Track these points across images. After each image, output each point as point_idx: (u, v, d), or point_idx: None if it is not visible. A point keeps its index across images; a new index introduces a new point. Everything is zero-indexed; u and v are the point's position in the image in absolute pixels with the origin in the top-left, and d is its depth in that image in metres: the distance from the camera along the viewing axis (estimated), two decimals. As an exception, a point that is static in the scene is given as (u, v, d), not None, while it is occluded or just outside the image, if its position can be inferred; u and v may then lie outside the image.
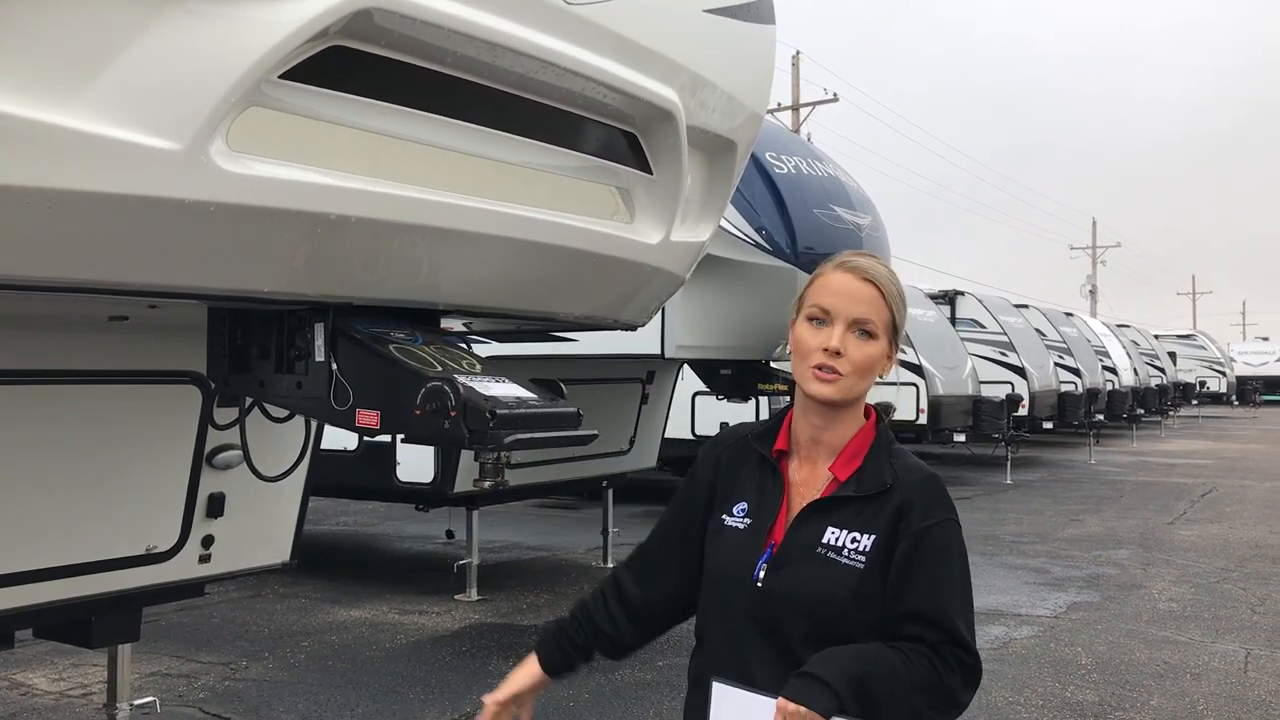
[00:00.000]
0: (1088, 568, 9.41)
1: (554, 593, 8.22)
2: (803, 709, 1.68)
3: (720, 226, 6.78)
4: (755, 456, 1.97)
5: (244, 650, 6.46)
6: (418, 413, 2.28)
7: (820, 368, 1.86)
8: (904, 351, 16.79)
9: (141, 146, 1.84)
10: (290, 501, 4.40)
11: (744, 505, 1.94)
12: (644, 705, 5.49)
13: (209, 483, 4.02)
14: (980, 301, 20.92)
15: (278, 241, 2.11)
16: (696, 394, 12.27)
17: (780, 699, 1.71)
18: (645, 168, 2.92)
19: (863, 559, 1.80)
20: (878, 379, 1.93)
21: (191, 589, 4.22)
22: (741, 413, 12.61)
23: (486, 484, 2.42)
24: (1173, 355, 37.89)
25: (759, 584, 1.85)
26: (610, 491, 9.31)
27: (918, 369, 16.31)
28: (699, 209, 3.30)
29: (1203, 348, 45.30)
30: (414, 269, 2.50)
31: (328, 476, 8.37)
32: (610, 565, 9.24)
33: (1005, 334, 20.15)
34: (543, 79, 2.47)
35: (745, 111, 3.22)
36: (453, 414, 2.23)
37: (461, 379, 2.34)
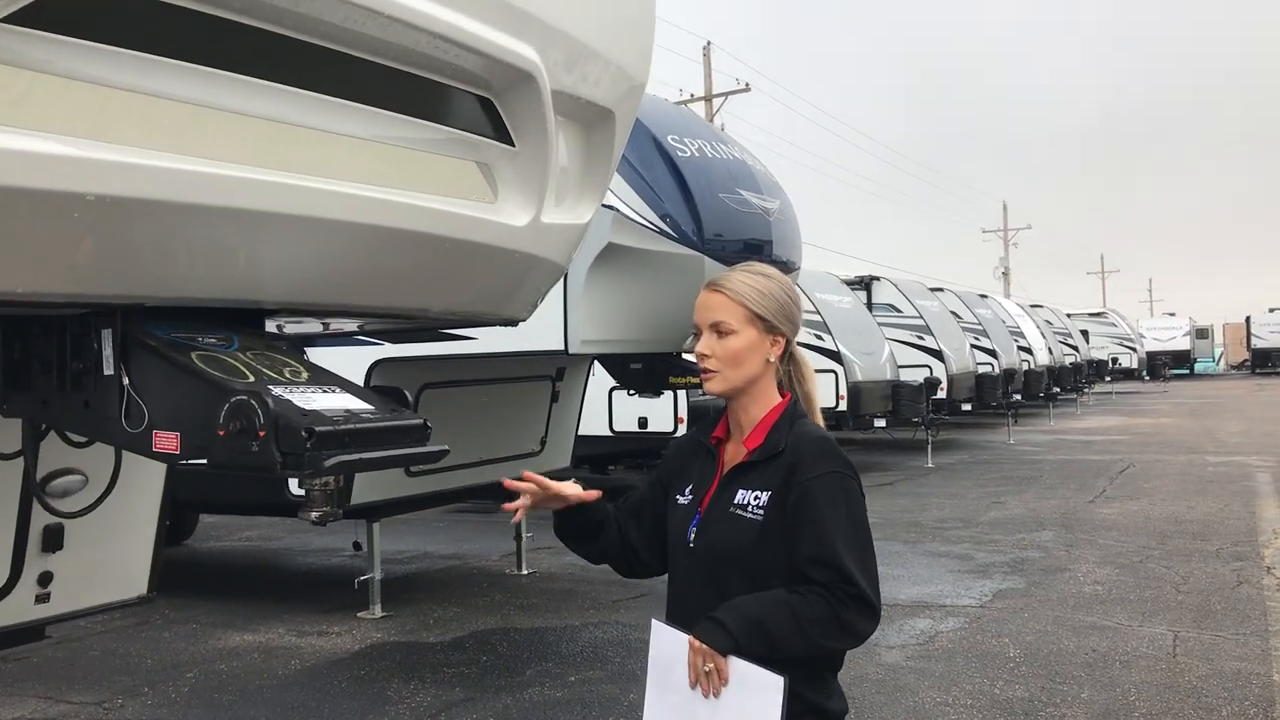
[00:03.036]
0: (1011, 552, 9.27)
1: (463, 605, 7.81)
2: (705, 646, 2.02)
3: (623, 214, 6.49)
4: (702, 446, 2.34)
5: (122, 686, 5.96)
6: (221, 433, 1.88)
7: (703, 371, 2.26)
8: (821, 338, 16.74)
9: None
10: (143, 530, 3.96)
11: (690, 485, 2.30)
12: (553, 727, 5.13)
13: (43, 514, 3.57)
14: (896, 286, 20.88)
15: (18, 229, 1.70)
16: (613, 390, 11.91)
17: (690, 637, 2.05)
18: (506, 139, 2.56)
19: (761, 512, 2.13)
20: (770, 360, 2.24)
21: (30, 633, 3.76)
22: (658, 408, 12.30)
23: (313, 516, 2.03)
24: (1085, 333, 38.56)
25: (690, 545, 2.22)
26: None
27: (835, 355, 16.17)
28: (577, 187, 2.95)
29: (1113, 325, 46.19)
30: (225, 261, 2.11)
31: (215, 493, 7.91)
32: (525, 572, 8.86)
33: (921, 318, 20.13)
34: (367, 32, 2.09)
35: (623, 77, 2.86)
36: (262, 434, 1.85)
37: (278, 390, 1.96)
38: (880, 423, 16.98)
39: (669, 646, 2.12)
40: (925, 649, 6.29)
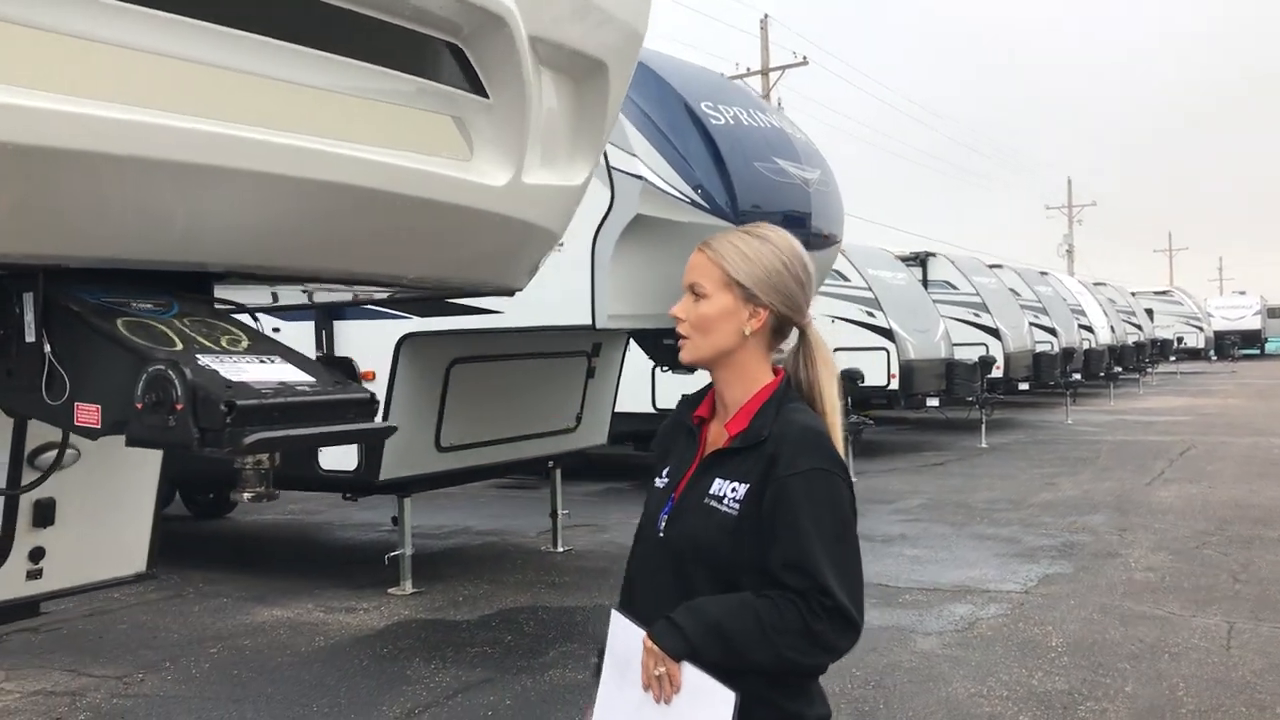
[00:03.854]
0: (1061, 535, 8.95)
1: (495, 582, 7.70)
2: (657, 649, 1.85)
3: (652, 184, 6.27)
4: (684, 426, 2.13)
5: (144, 661, 5.92)
6: (139, 406, 1.73)
7: (678, 337, 2.07)
8: (872, 315, 16.39)
9: None
10: (140, 506, 3.86)
11: (669, 467, 2.10)
12: (570, 710, 4.99)
13: (35, 488, 3.47)
14: (952, 262, 20.43)
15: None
16: (656, 366, 11.73)
17: (644, 635, 1.88)
18: (480, 90, 2.37)
19: (737, 506, 1.91)
20: (746, 332, 2.01)
21: (23, 608, 3.68)
22: (701, 385, 12.10)
23: (246, 496, 1.88)
24: (1150, 312, 37.58)
25: (661, 534, 2.01)
26: (558, 471, 8.79)
27: (887, 333, 15.84)
28: (569, 146, 2.75)
29: (1179, 303, 45.01)
30: (161, 220, 1.95)
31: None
32: (560, 549, 8.74)
33: (978, 295, 19.69)
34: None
35: (616, 25, 2.66)
36: (179, 407, 1.69)
37: (205, 360, 1.80)
38: (933, 402, 16.62)
39: (627, 641, 1.94)
40: (963, 636, 6.05)
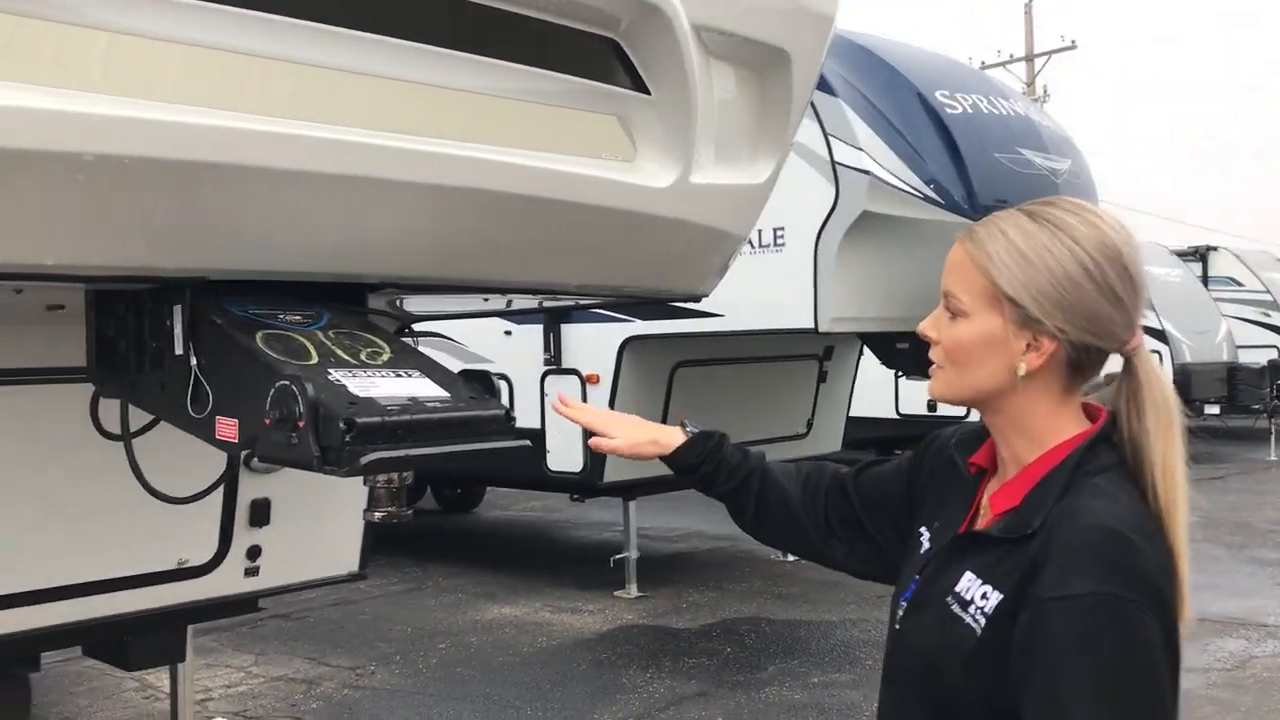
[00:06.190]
0: (1362, 565, 7.92)
1: (720, 590, 7.57)
2: None
3: (880, 179, 5.96)
4: (958, 470, 1.55)
5: (377, 653, 6.16)
6: (267, 422, 1.69)
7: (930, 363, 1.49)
8: (1144, 316, 15.18)
9: None
10: (352, 508, 3.95)
11: (938, 524, 1.53)
12: (783, 733, 4.78)
13: (250, 488, 3.62)
14: (1237, 257, 18.68)
15: (28, 193, 1.56)
16: (895, 372, 11.28)
17: None
18: (641, 86, 2.23)
19: (982, 621, 1.33)
20: (1020, 371, 1.38)
21: (243, 604, 3.85)
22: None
23: (377, 516, 1.81)
24: None
25: (898, 625, 1.50)
26: (788, 478, 8.55)
27: (1160, 334, 14.63)
28: (750, 142, 2.57)
29: None
30: (315, 233, 1.92)
31: (476, 464, 8.10)
32: (790, 559, 8.49)
33: (1268, 291, 17.93)
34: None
35: (796, 8, 2.45)
36: (300, 424, 1.64)
37: (336, 375, 1.74)
38: (1213, 409, 15.25)
39: None
40: (1233, 676, 5.41)
